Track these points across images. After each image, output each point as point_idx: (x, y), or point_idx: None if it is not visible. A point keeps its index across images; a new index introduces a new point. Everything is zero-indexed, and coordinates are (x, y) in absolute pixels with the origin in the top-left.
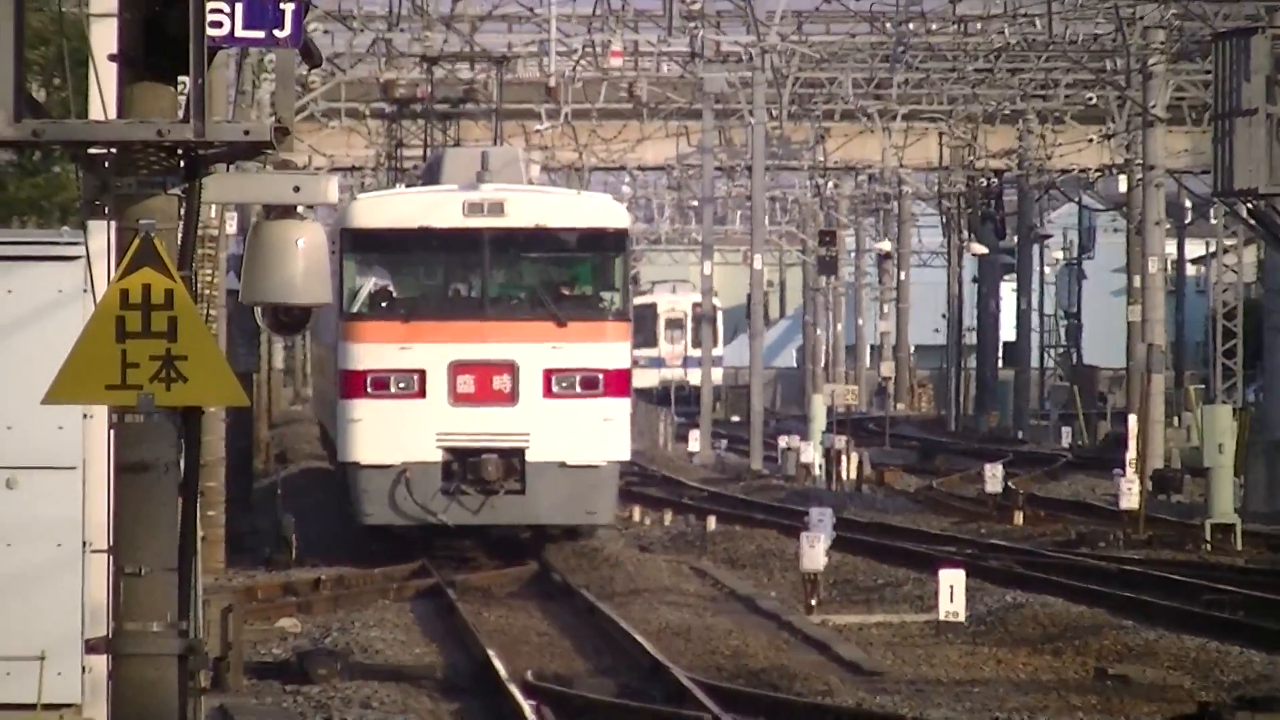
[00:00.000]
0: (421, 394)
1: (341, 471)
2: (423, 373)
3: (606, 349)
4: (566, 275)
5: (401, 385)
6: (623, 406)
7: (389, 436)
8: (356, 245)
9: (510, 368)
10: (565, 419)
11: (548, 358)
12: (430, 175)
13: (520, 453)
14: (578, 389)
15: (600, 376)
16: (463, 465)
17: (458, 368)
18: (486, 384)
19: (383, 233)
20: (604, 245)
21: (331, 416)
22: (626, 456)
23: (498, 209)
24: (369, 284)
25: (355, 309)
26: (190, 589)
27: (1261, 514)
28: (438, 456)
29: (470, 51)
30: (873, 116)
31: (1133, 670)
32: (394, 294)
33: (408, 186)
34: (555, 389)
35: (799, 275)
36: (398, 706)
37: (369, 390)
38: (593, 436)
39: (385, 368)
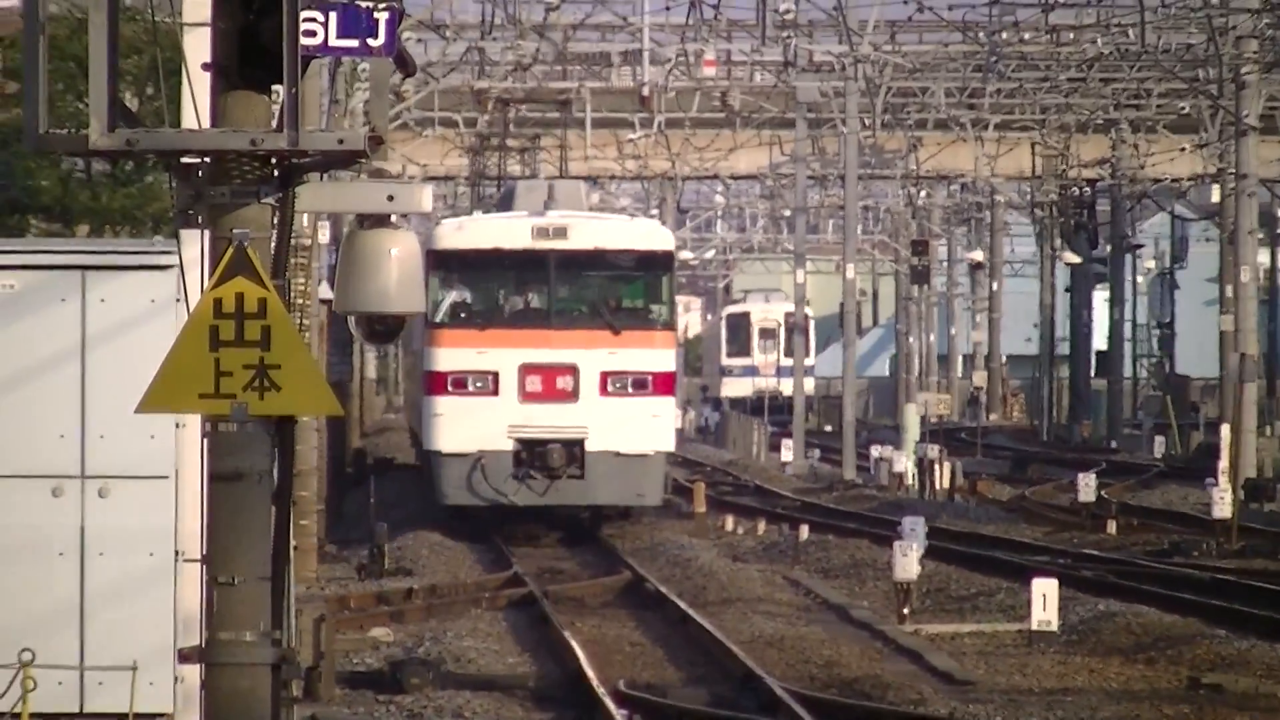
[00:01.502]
0: (495, 392)
1: (425, 459)
2: (496, 374)
3: (655, 354)
4: (620, 290)
5: (478, 384)
6: (669, 404)
7: (467, 428)
8: (440, 264)
9: (572, 370)
10: (619, 414)
11: (604, 361)
12: (504, 203)
13: (580, 443)
14: (629, 389)
15: (649, 378)
16: (530, 454)
17: (527, 369)
18: (551, 384)
19: (463, 253)
20: (653, 265)
21: (418, 413)
22: (672, 447)
23: (562, 233)
24: (451, 297)
25: (438, 319)
26: (283, 598)
27: None
28: (509, 446)
29: (539, 89)
30: (965, 126)
31: (1226, 680)
32: (472, 306)
33: (485, 213)
34: (610, 388)
35: (891, 284)
36: (490, 716)
37: (450, 389)
38: (643, 429)
39: (464, 369)
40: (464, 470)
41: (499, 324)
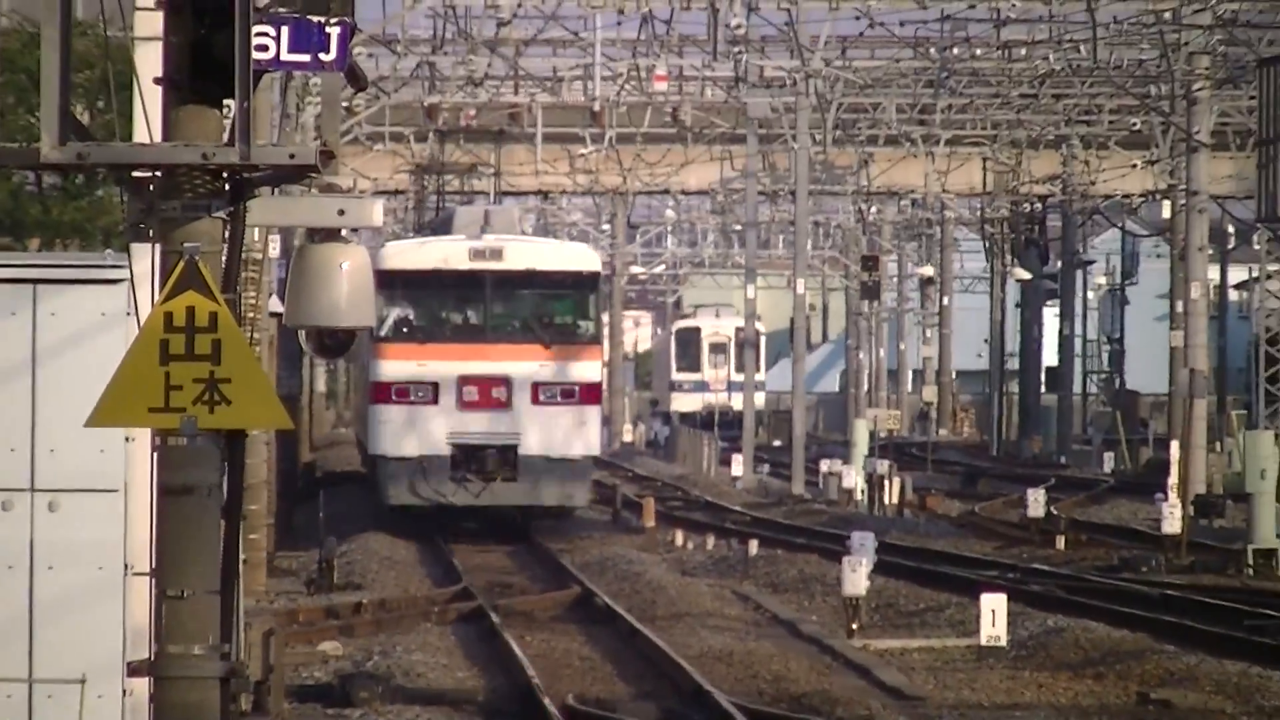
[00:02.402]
0: (435, 401)
1: (370, 463)
2: (436, 384)
3: (582, 366)
4: (551, 308)
5: (419, 394)
6: (595, 412)
7: (409, 434)
8: (385, 283)
9: (506, 381)
10: (549, 421)
11: (535, 373)
12: (444, 227)
13: (514, 448)
14: (559, 398)
15: (577, 388)
16: (468, 458)
17: (464, 380)
18: (487, 393)
19: (406, 273)
20: (581, 284)
21: (364, 421)
22: (597, 452)
23: (497, 255)
24: (395, 313)
25: (383, 333)
26: (233, 612)
27: None
28: (448, 450)
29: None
30: (916, 142)
31: (1175, 695)
32: (414, 321)
33: (426, 236)
34: (541, 398)
35: (842, 300)
36: None
37: (393, 398)
38: (571, 435)
39: (406, 379)
40: (406, 473)
41: (439, 338)
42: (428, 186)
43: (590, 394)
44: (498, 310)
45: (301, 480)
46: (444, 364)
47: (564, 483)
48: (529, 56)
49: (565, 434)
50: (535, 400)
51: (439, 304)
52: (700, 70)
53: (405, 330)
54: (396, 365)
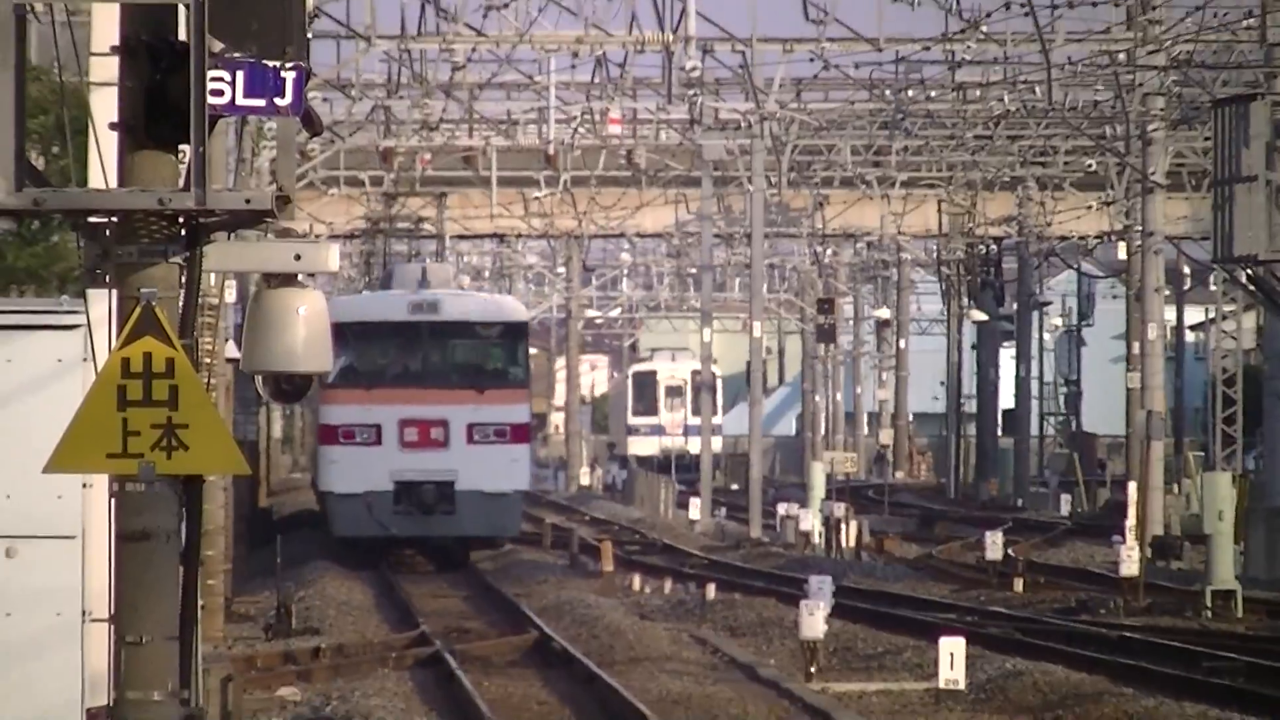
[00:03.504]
0: (379, 442)
1: (321, 499)
2: (379, 426)
3: (512, 409)
4: (483, 355)
5: (364, 435)
6: (524, 450)
7: (355, 472)
8: (333, 335)
9: (443, 423)
10: (483, 459)
11: (470, 415)
12: (386, 282)
13: (451, 484)
14: (492, 437)
15: (508, 428)
16: (409, 493)
17: (405, 423)
18: (426, 434)
19: (352, 324)
20: (510, 334)
21: (315, 460)
22: (527, 486)
23: (434, 307)
24: (341, 361)
25: (331, 380)
26: (191, 657)
27: (1261, 580)
28: (390, 486)
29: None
30: (871, 184)
31: None
32: (359, 369)
33: (370, 291)
34: (475, 437)
35: (798, 343)
36: None
37: (340, 439)
38: (503, 472)
39: (352, 422)
40: (353, 508)
41: (382, 384)
42: (375, 248)
43: (519, 434)
44: (435, 358)
45: (258, 526)
46: (386, 408)
47: (497, 515)
48: (484, 100)
49: (497, 470)
50: (470, 440)
51: (381, 352)
52: (655, 113)
53: (351, 377)
54: (343, 409)
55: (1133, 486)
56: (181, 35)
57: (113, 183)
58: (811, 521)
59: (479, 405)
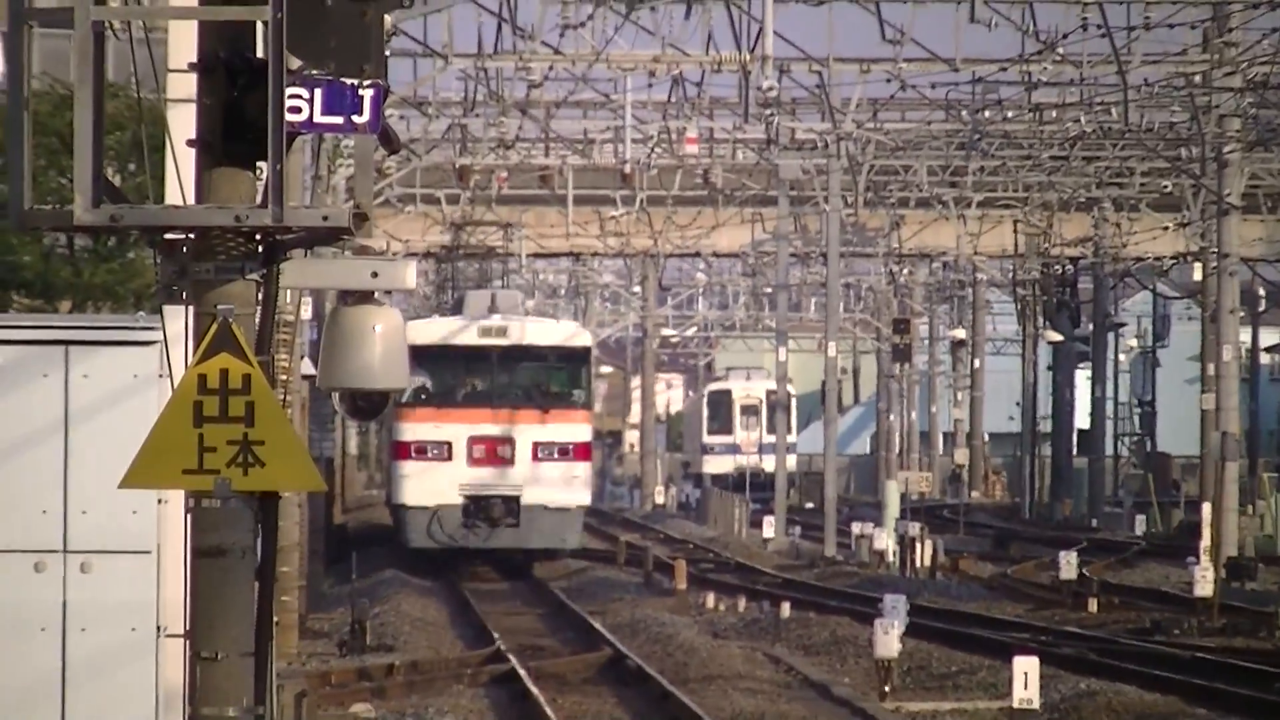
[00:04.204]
0: (449, 458)
1: (394, 512)
2: (450, 443)
3: (575, 428)
4: (548, 378)
5: (435, 451)
6: (585, 467)
7: (426, 486)
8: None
9: (510, 440)
10: (547, 475)
11: (535, 434)
12: (457, 308)
13: (517, 498)
14: (555, 455)
15: (571, 447)
16: (477, 506)
17: (473, 440)
18: (493, 451)
19: (425, 347)
20: (574, 358)
21: (389, 475)
22: (588, 502)
23: (502, 333)
24: (415, 382)
25: (404, 399)
26: (266, 674)
27: None
28: (460, 500)
29: (521, 165)
30: (948, 204)
31: None
32: (431, 389)
33: (443, 316)
34: (540, 455)
35: (873, 362)
36: None
37: (413, 455)
38: (565, 487)
39: (424, 439)
40: (424, 520)
41: (453, 404)
42: (447, 272)
43: (581, 452)
44: (503, 380)
45: (333, 541)
46: (457, 426)
47: (559, 528)
48: (560, 118)
49: (560, 486)
50: (535, 458)
51: (452, 374)
52: (731, 132)
53: (424, 397)
54: (416, 427)
55: (1207, 507)
56: (259, 52)
57: (190, 200)
58: (886, 541)
59: (544, 424)
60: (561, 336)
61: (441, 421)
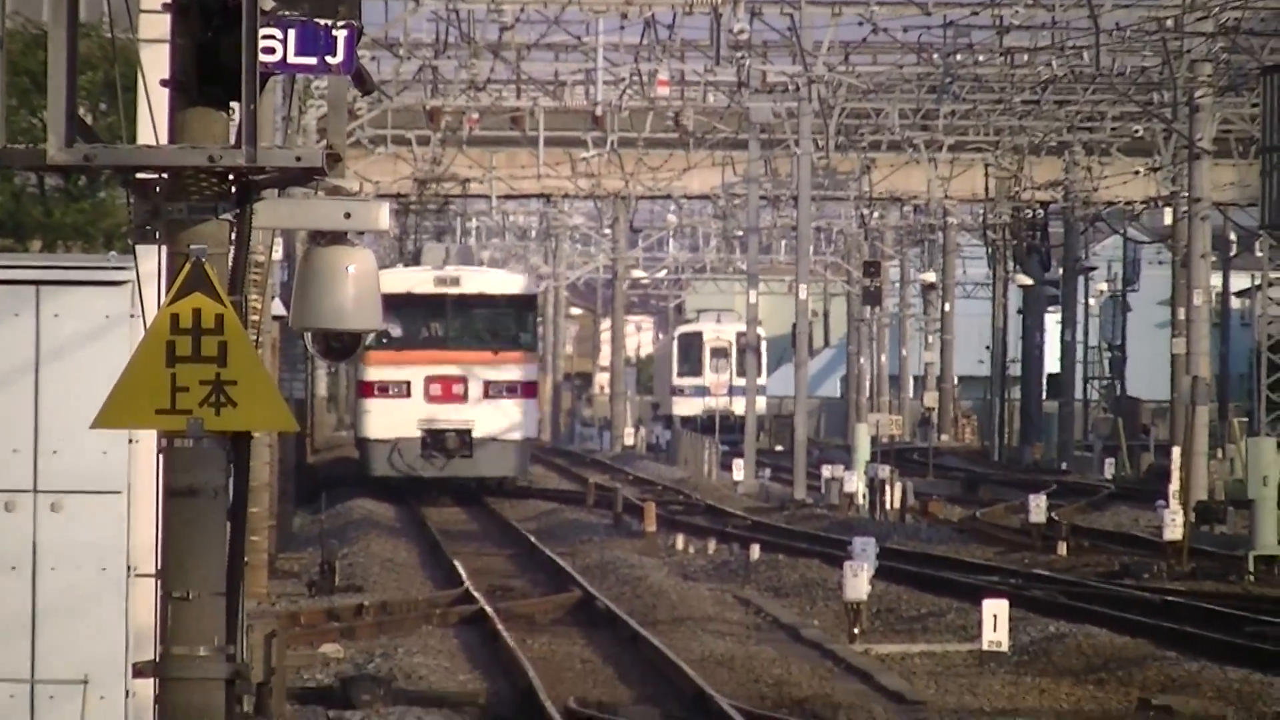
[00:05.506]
0: (408, 395)
1: (359, 444)
2: (409, 382)
3: (521, 368)
4: (497, 323)
5: (396, 390)
6: (532, 404)
7: (388, 421)
8: None
9: (463, 380)
10: (496, 410)
11: (486, 373)
12: (415, 259)
13: (469, 431)
14: (504, 393)
15: (519, 385)
16: (434, 439)
17: (430, 379)
18: (449, 389)
19: (387, 295)
20: (520, 304)
21: (355, 411)
22: (535, 435)
23: (456, 281)
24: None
25: (369, 344)
26: (238, 614)
27: None
28: (418, 433)
29: (492, 107)
30: (919, 147)
31: (1176, 701)
32: (393, 334)
33: (404, 266)
34: (490, 392)
35: (843, 305)
36: None
37: (376, 393)
38: (513, 421)
39: (386, 379)
40: (386, 451)
41: (411, 346)
42: (406, 227)
43: (528, 390)
44: (456, 325)
45: (304, 481)
46: (415, 367)
47: (508, 458)
48: (531, 61)
49: (509, 421)
50: (485, 395)
51: (411, 319)
52: (702, 75)
53: (385, 341)
54: (379, 369)
55: (1177, 451)
56: None
57: (163, 140)
58: (856, 483)
59: (493, 365)
60: (510, 285)
61: (402, 363)
